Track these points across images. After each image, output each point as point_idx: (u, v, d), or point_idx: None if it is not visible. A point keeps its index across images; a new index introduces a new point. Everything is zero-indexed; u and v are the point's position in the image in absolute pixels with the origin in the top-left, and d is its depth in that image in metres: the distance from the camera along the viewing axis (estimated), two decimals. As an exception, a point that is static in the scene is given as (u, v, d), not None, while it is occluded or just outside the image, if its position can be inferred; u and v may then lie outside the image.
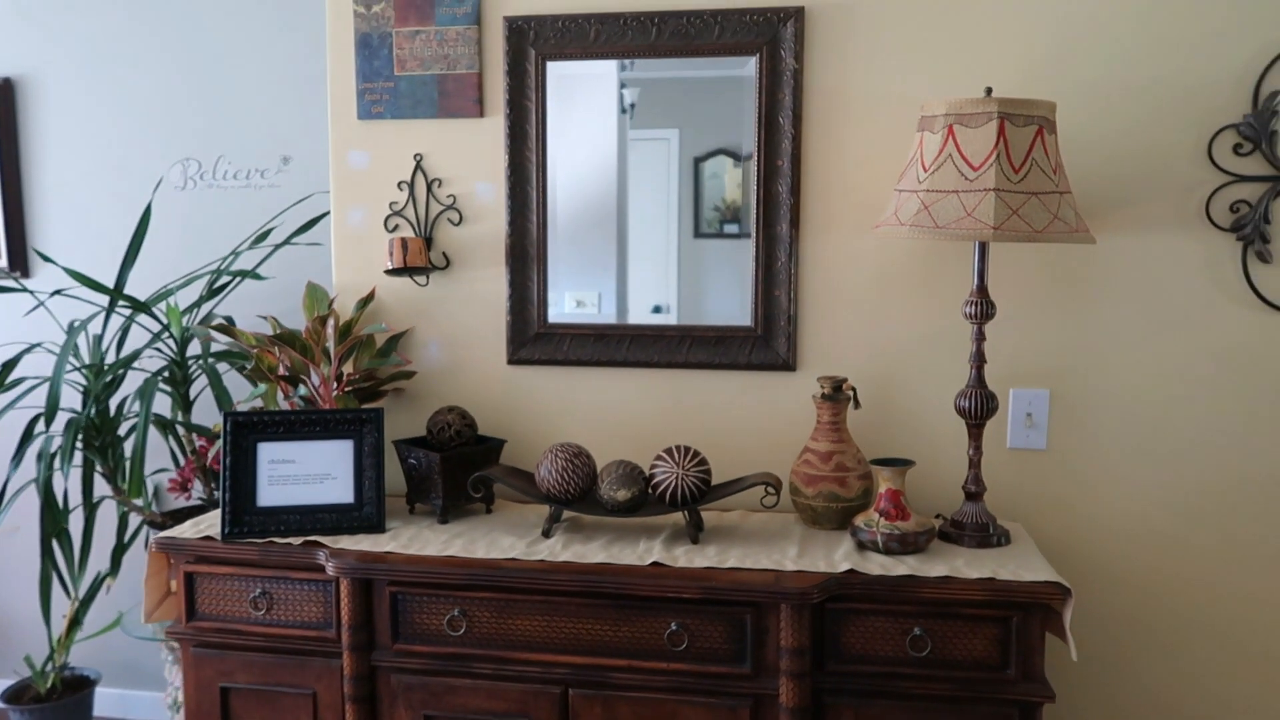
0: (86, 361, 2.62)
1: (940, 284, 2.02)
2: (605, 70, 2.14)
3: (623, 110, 2.17)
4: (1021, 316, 2.00)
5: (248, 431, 1.94)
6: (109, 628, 2.98)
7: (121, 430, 2.67)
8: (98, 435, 2.58)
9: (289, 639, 1.88)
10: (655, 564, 1.76)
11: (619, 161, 2.18)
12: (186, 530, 1.96)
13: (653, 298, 2.21)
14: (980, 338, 1.86)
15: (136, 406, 2.61)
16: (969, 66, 1.98)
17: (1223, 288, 1.95)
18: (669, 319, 2.17)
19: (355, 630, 1.82)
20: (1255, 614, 2.00)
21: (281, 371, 2.09)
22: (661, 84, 2.15)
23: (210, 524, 1.99)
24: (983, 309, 1.84)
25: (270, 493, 1.94)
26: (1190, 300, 1.97)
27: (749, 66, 2.06)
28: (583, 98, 2.15)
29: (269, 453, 1.95)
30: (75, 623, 2.91)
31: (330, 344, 2.09)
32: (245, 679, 1.90)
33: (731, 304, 2.15)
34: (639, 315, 2.19)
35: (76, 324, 2.73)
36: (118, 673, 3.15)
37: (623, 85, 2.15)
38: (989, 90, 1.77)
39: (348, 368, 2.14)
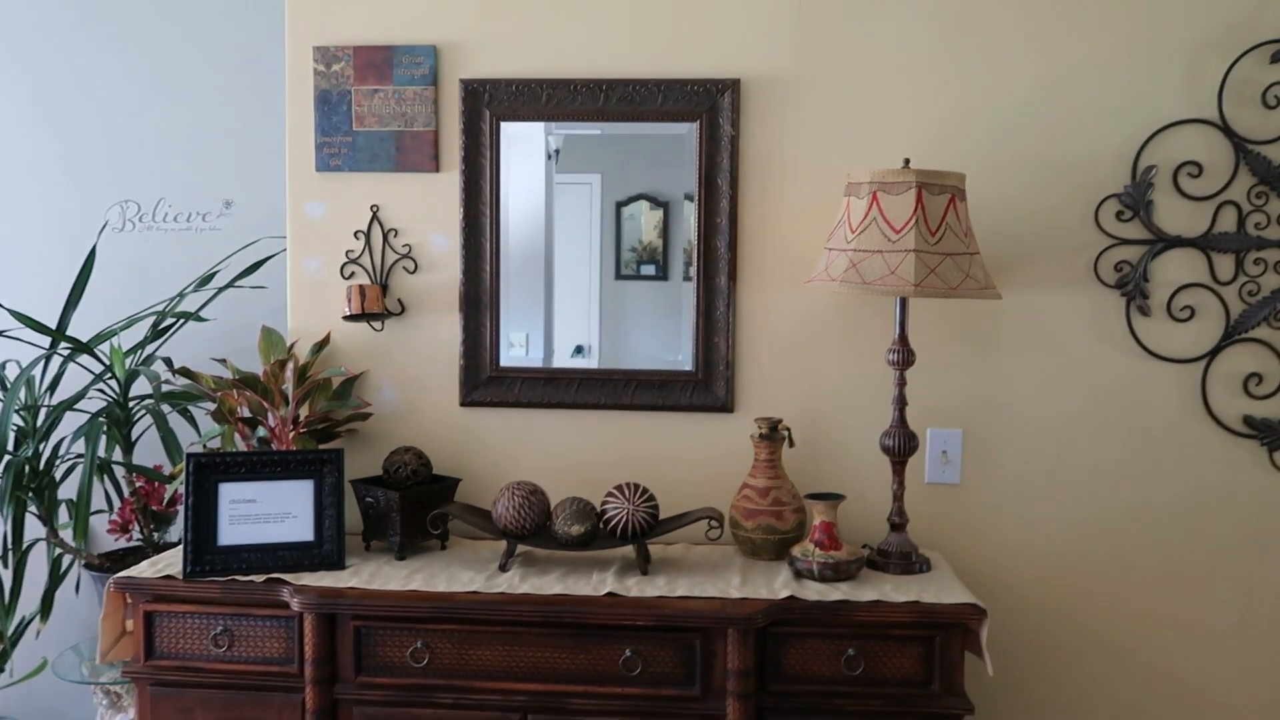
0: (21, 403, 2.60)
1: (864, 333, 2.22)
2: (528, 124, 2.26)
3: (548, 156, 2.32)
4: (937, 363, 2.21)
5: (209, 472, 1.99)
6: (34, 673, 2.91)
7: (56, 472, 2.65)
8: (34, 477, 2.56)
9: (250, 674, 1.92)
10: (610, 594, 1.88)
11: (546, 206, 2.32)
12: (145, 570, 1.99)
13: (575, 338, 2.35)
14: (902, 382, 2.05)
15: (77, 447, 2.60)
16: (888, 137, 2.19)
17: (1109, 338, 2.20)
18: (590, 361, 2.31)
19: (319, 664, 1.88)
20: (1141, 625, 2.23)
21: (241, 414, 2.14)
22: (584, 134, 2.29)
23: (168, 563, 2.02)
24: (904, 356, 2.03)
25: (231, 531, 1.99)
26: (1082, 348, 2.20)
27: (667, 126, 2.22)
28: (514, 145, 2.27)
29: (230, 493, 2.00)
30: (-2, 670, 2.85)
31: (289, 387, 2.15)
32: (204, 716, 1.94)
33: (649, 344, 2.31)
34: (563, 356, 2.32)
35: (11, 364, 2.72)
36: (40, 721, 3.08)
37: (549, 133, 2.29)
38: (907, 161, 1.99)
39: (304, 410, 2.20)
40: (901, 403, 2.05)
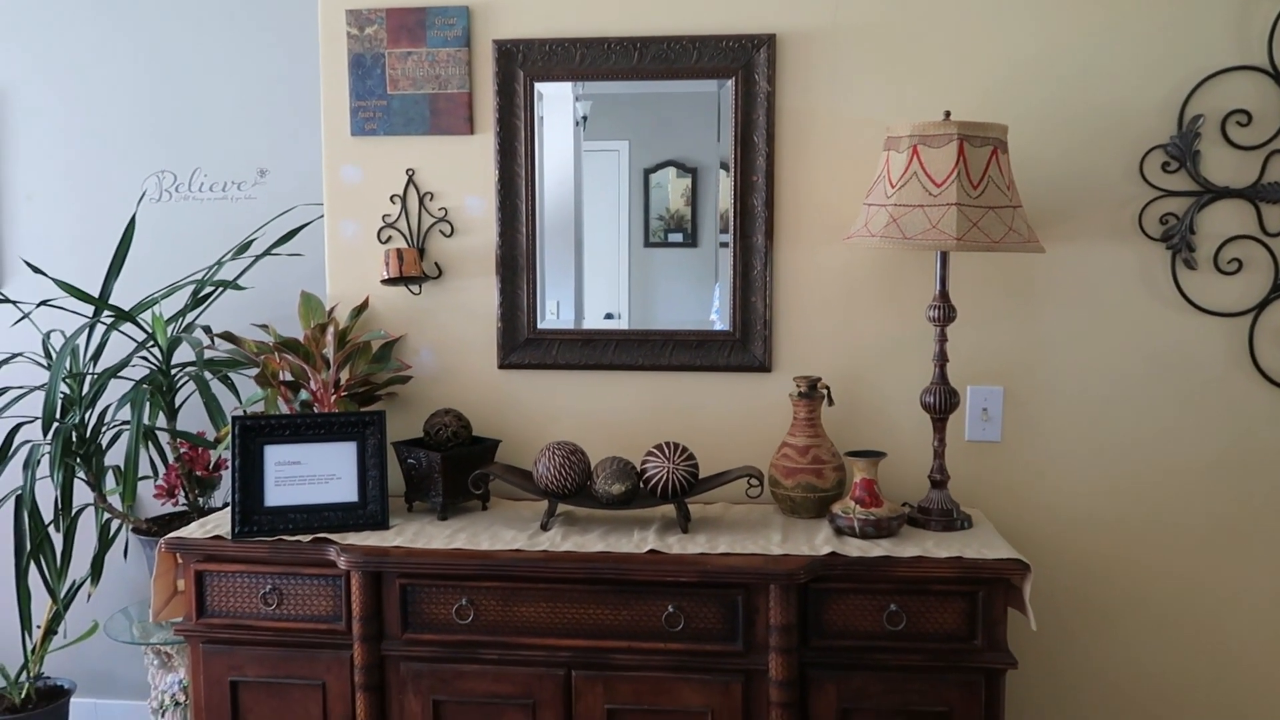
0: (68, 371, 2.65)
1: (904, 290, 2.20)
2: (561, 86, 2.25)
3: (576, 123, 2.30)
4: (977, 320, 2.19)
5: (255, 435, 2.02)
6: (85, 635, 2.99)
7: (103, 439, 2.70)
8: (81, 444, 2.61)
9: (299, 632, 1.96)
10: (652, 551, 1.89)
11: (575, 174, 2.31)
12: (194, 531, 2.03)
13: (604, 305, 2.35)
14: (943, 339, 2.03)
15: (122, 414, 2.65)
16: (926, 91, 2.16)
17: (1154, 292, 2.17)
18: (620, 325, 2.31)
19: (366, 621, 1.91)
20: (1183, 585, 2.22)
21: (284, 377, 2.17)
22: (612, 97, 2.28)
23: (217, 524, 2.06)
24: (945, 313, 2.02)
25: (277, 493, 2.01)
26: (1126, 303, 2.17)
27: (700, 84, 2.20)
28: (544, 112, 2.27)
29: (276, 455, 2.02)
30: (50, 632, 2.92)
31: (329, 351, 2.17)
32: (255, 673, 1.98)
33: (679, 312, 2.30)
34: (593, 323, 2.32)
35: (55, 333, 2.76)
36: (92, 682, 3.16)
37: (576, 99, 2.28)
38: (948, 114, 1.96)
39: (345, 374, 2.22)
40: (942, 359, 2.03)
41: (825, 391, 2.13)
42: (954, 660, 1.84)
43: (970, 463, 2.22)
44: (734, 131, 2.20)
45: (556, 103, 2.26)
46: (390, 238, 2.31)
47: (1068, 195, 2.15)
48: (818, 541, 1.93)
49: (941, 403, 2.03)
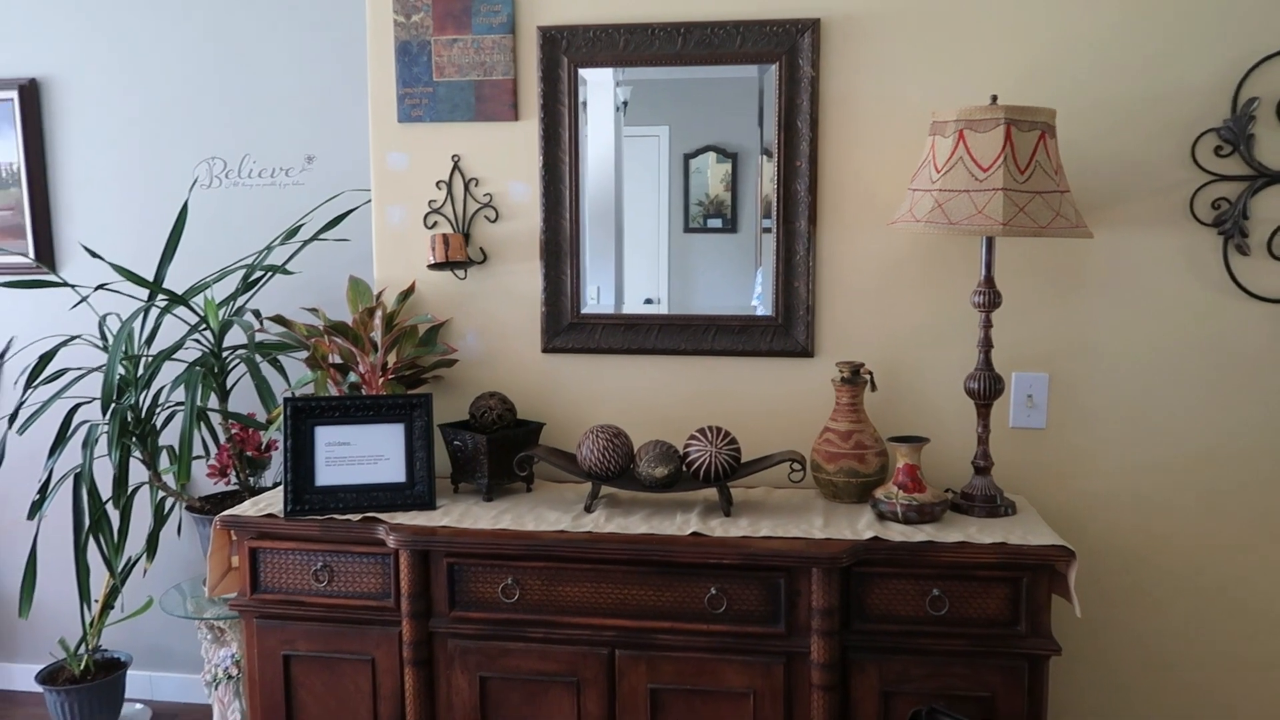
0: (124, 353, 2.72)
1: (948, 276, 2.19)
2: (603, 72, 2.26)
3: (616, 109, 2.31)
4: (1023, 306, 2.17)
5: (306, 416, 2.06)
6: (141, 610, 3.09)
7: (157, 420, 2.77)
8: (137, 424, 2.69)
9: (349, 609, 2.00)
10: (695, 534, 1.91)
11: (615, 159, 2.32)
12: (248, 508, 2.08)
13: (644, 291, 2.36)
14: (987, 325, 2.02)
15: (176, 395, 2.72)
16: (972, 75, 2.14)
17: (1205, 278, 2.14)
18: (661, 310, 2.32)
19: (414, 599, 1.95)
20: (1231, 572, 2.19)
21: (333, 360, 2.21)
22: (653, 82, 2.28)
23: (269, 503, 2.11)
24: (990, 298, 2.01)
25: (327, 472, 2.06)
26: (1175, 290, 2.15)
27: (742, 69, 2.20)
28: (586, 98, 2.28)
29: (326, 435, 2.07)
30: (108, 606, 3.01)
31: (377, 334, 2.21)
32: (307, 647, 2.03)
33: (717, 297, 2.31)
34: (633, 308, 2.33)
35: (111, 316, 2.83)
36: (147, 655, 3.25)
37: (617, 84, 2.29)
38: (994, 98, 1.94)
39: (392, 357, 2.26)
40: (987, 345, 2.02)
41: (868, 377, 2.13)
42: (997, 646, 1.85)
43: (1014, 449, 2.21)
44: (777, 116, 2.19)
45: (597, 89, 2.28)
46: (436, 223, 2.35)
47: (1117, 180, 2.12)
48: (860, 526, 1.94)
49: (986, 389, 2.02)
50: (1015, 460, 2.21)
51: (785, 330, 2.25)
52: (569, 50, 2.24)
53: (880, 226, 2.18)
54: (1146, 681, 2.23)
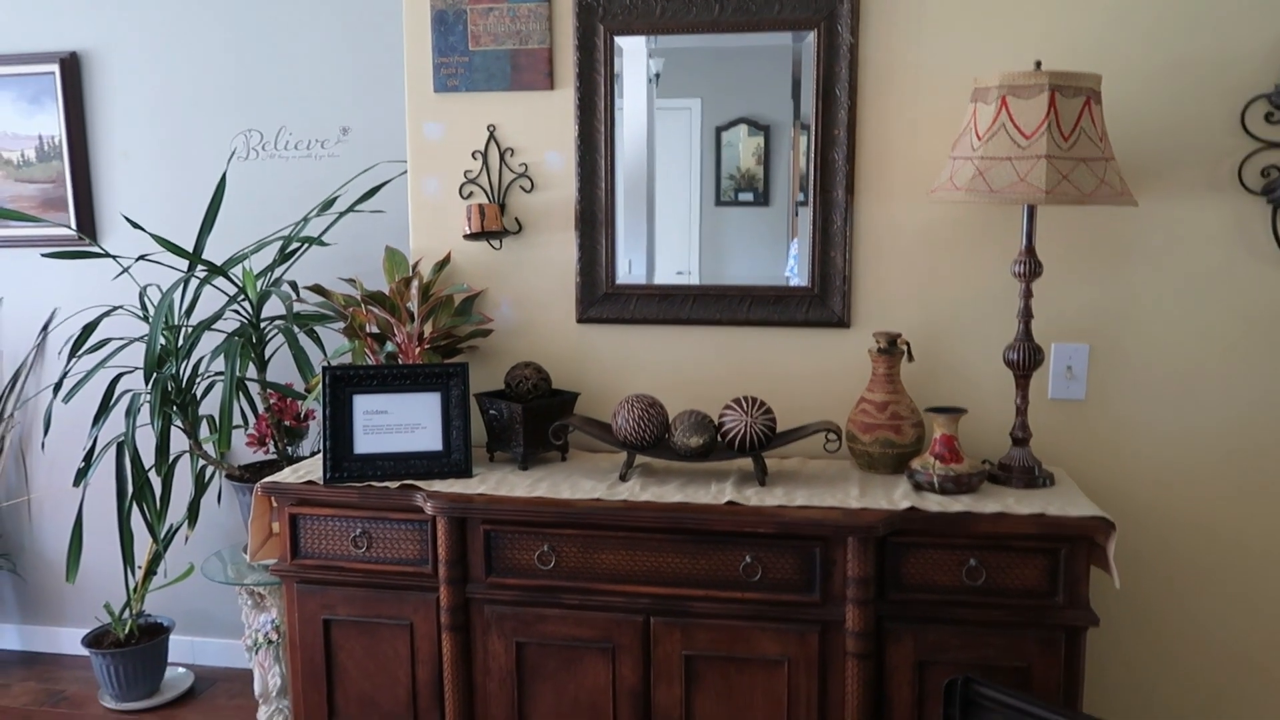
0: (165, 323, 2.76)
1: (987, 245, 2.16)
2: (635, 42, 2.25)
3: (649, 80, 2.30)
4: (1063, 276, 2.14)
5: (344, 384, 2.08)
6: (183, 576, 3.15)
7: (197, 389, 2.81)
8: (177, 393, 2.73)
9: (387, 575, 2.03)
10: (730, 503, 1.91)
11: (648, 131, 2.31)
12: (288, 476, 2.11)
13: (676, 264, 2.35)
14: (1028, 295, 2.00)
15: (215, 365, 2.75)
16: (1015, 40, 2.10)
17: (1252, 248, 2.09)
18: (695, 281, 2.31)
19: (451, 565, 1.97)
20: (1273, 544, 2.16)
21: (370, 330, 2.23)
22: (685, 53, 2.26)
23: (308, 470, 2.14)
24: (1031, 268, 1.98)
25: (366, 441, 2.08)
26: (1221, 260, 2.11)
27: (777, 37, 2.18)
28: (619, 68, 2.26)
29: (364, 404, 2.09)
30: (151, 572, 3.08)
31: (414, 304, 2.23)
32: (346, 612, 2.06)
33: (748, 271, 2.29)
34: (664, 280, 2.32)
35: (151, 287, 2.87)
36: (189, 620, 3.32)
37: (649, 55, 2.27)
38: (1038, 64, 1.90)
39: (428, 327, 2.28)
40: (1027, 315, 2.00)
41: (905, 347, 2.12)
42: (1034, 617, 1.84)
43: (1053, 421, 2.19)
44: (815, 84, 2.17)
45: (630, 60, 2.26)
46: (472, 193, 2.35)
47: (1163, 147, 2.08)
48: (896, 496, 1.93)
49: (1025, 360, 2.00)
50: (1054, 432, 2.19)
51: (821, 300, 2.24)
52: (605, 18, 2.23)
53: (919, 196, 2.16)
54: (1186, 654, 2.21)
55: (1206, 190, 2.09)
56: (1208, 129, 2.07)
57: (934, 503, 1.89)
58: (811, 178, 2.20)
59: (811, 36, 2.16)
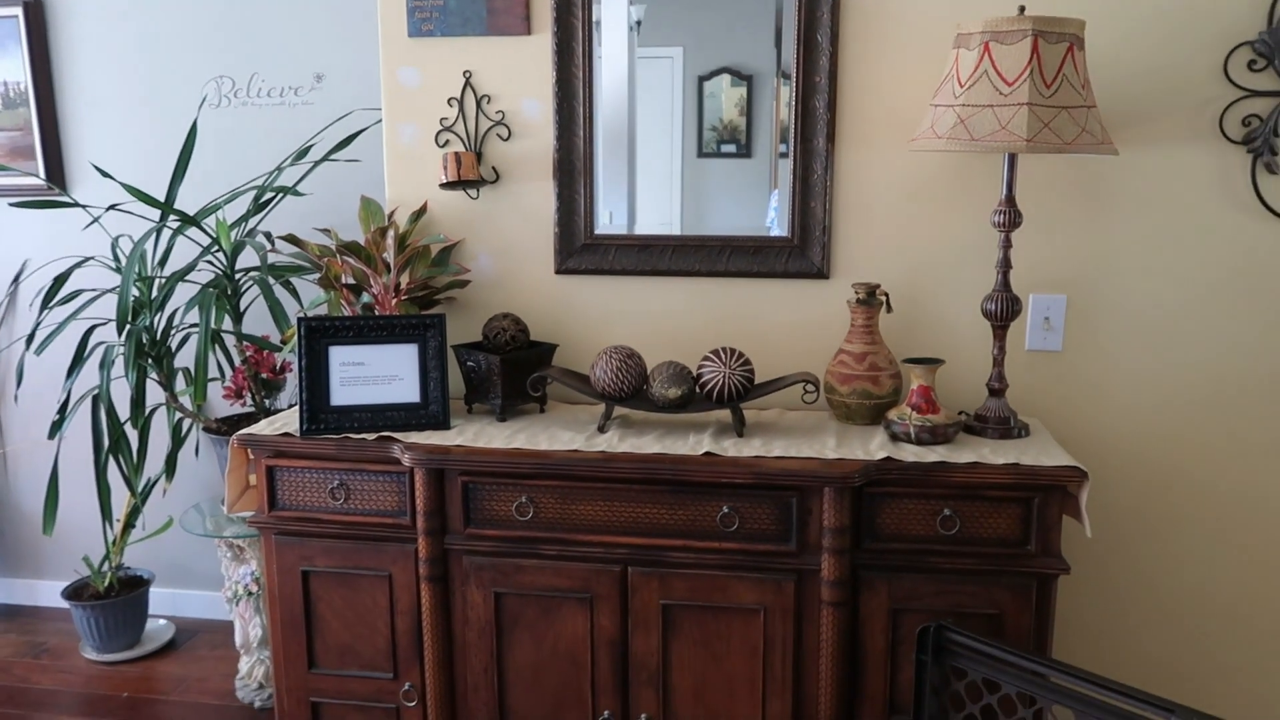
0: (137, 274, 2.72)
1: (968, 195, 2.15)
2: (614, -14, 2.20)
3: (630, 28, 2.25)
4: (1042, 226, 2.14)
5: (320, 336, 2.06)
6: (162, 529, 3.14)
7: (172, 341, 2.78)
8: (152, 345, 2.70)
9: (366, 526, 2.03)
10: (708, 453, 1.92)
11: (628, 81, 2.27)
12: (264, 428, 2.09)
13: (657, 216, 2.33)
14: (1007, 245, 1.99)
15: (190, 317, 2.72)
16: (999, -14, 2.07)
17: (1232, 198, 2.09)
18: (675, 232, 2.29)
19: (430, 516, 1.97)
20: (1247, 497, 2.19)
21: (346, 280, 2.20)
22: (667, 0, 2.21)
23: (285, 422, 2.12)
24: (1010, 218, 1.97)
25: (342, 392, 2.07)
26: (1201, 209, 2.10)
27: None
28: (599, 16, 2.21)
29: (340, 355, 2.07)
30: (129, 525, 3.07)
31: (390, 254, 2.20)
32: (325, 563, 2.06)
33: (730, 223, 2.27)
34: (645, 231, 2.30)
35: (123, 237, 2.83)
36: (169, 573, 3.32)
37: (630, 2, 2.22)
38: (1022, 8, 1.88)
39: (405, 278, 2.25)
40: (1005, 266, 1.99)
41: (884, 298, 2.11)
42: (1007, 564, 1.86)
43: (1030, 372, 2.20)
44: (796, 30, 2.13)
45: (609, 6, 2.21)
46: (448, 141, 2.31)
47: (1145, 95, 2.07)
48: (873, 447, 1.94)
49: (1003, 310, 2.00)
50: (1031, 383, 2.20)
51: (801, 251, 2.23)
52: (582, -39, 2.18)
53: (901, 145, 2.14)
54: (1157, 599, 2.25)
55: (1188, 139, 2.08)
56: (1190, 77, 2.05)
57: (910, 453, 1.90)
58: (793, 126, 2.17)
59: (792, -19, 2.12)
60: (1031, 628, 1.86)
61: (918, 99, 2.09)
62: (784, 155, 2.20)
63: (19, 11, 3.03)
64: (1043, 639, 1.87)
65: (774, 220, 2.25)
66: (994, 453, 1.90)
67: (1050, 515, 1.85)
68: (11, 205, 2.78)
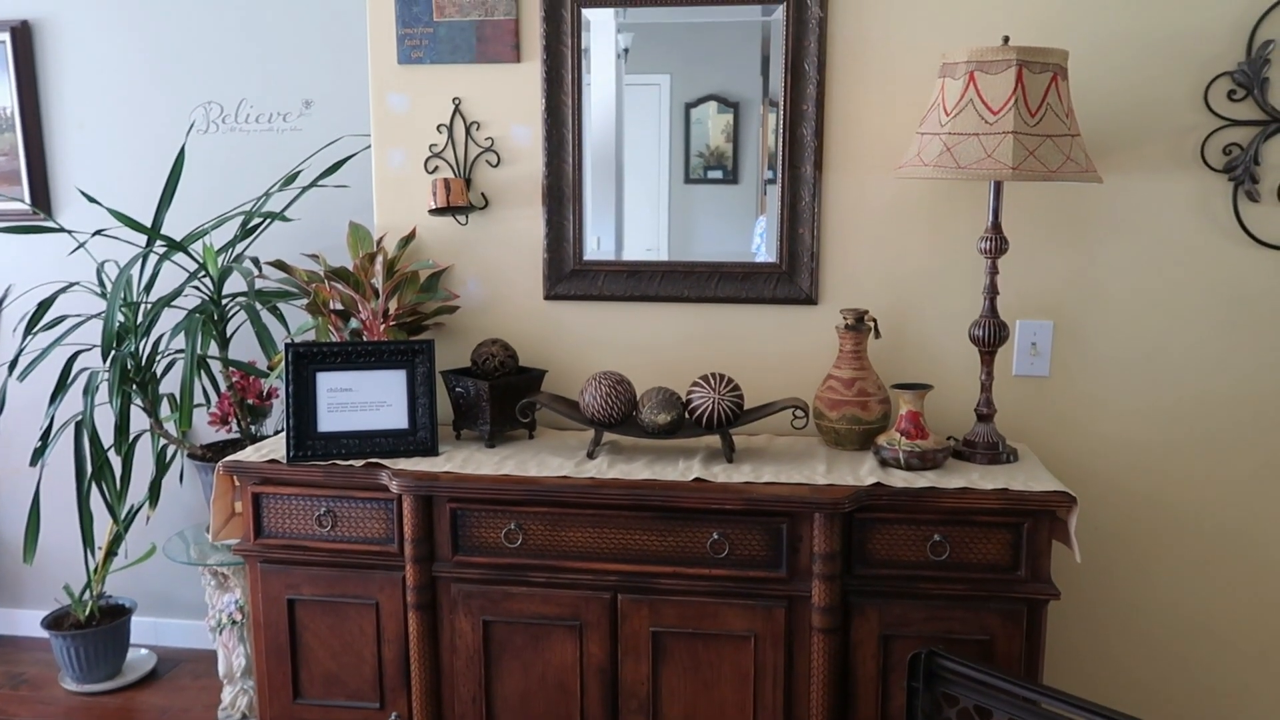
0: (123, 300, 2.70)
1: (955, 222, 2.17)
2: (604, 15, 2.22)
3: (618, 55, 2.27)
4: (1029, 252, 2.16)
5: (307, 362, 2.05)
6: (145, 557, 3.11)
7: (157, 367, 2.76)
8: (137, 371, 2.68)
9: (352, 554, 2.01)
10: (698, 479, 1.91)
11: (616, 108, 2.28)
12: (250, 454, 2.08)
13: (644, 242, 2.34)
14: (994, 271, 2.01)
15: (176, 343, 2.70)
16: (983, 16, 2.10)
17: (1214, 225, 2.12)
18: (664, 258, 2.30)
19: (418, 544, 1.96)
20: (1230, 525, 2.20)
21: (334, 306, 2.20)
22: (655, 29, 2.24)
23: (272, 449, 2.11)
24: (997, 244, 1.99)
25: (330, 419, 2.06)
26: (1184, 236, 2.13)
27: (747, 12, 2.16)
28: (588, 43, 2.23)
29: (328, 381, 2.06)
30: (111, 553, 3.03)
31: (378, 280, 2.20)
32: (311, 591, 2.04)
33: (716, 248, 2.28)
34: (633, 257, 2.30)
35: (109, 262, 2.81)
36: (151, 601, 3.28)
37: (618, 30, 2.24)
38: (1006, 39, 1.90)
39: (393, 304, 2.25)
40: (992, 292, 2.01)
41: (872, 324, 2.12)
42: (997, 590, 1.86)
43: (1017, 397, 2.21)
44: (784, 59, 2.15)
45: (598, 34, 2.23)
46: (437, 168, 2.32)
47: (1128, 124, 2.09)
48: (862, 472, 1.94)
49: (990, 336, 2.01)
50: (1018, 408, 2.21)
51: (789, 277, 2.24)
52: (571, -10, 2.19)
53: (887, 172, 2.15)
54: (1146, 625, 2.26)
55: (1170, 167, 2.10)
56: (1172, 106, 2.08)
57: (899, 478, 1.90)
58: (780, 154, 2.19)
59: (780, 10, 2.14)
60: (1022, 653, 1.86)
61: (903, 126, 2.11)
62: (771, 181, 2.22)
63: (6, 36, 3.03)
64: (1033, 665, 1.87)
65: (760, 246, 2.26)
66: (983, 478, 1.91)
67: (1040, 540, 1.85)
68: (-4, 230, 2.76)
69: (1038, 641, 1.87)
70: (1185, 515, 2.21)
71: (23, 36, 3.05)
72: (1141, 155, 2.11)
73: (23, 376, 2.65)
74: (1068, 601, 2.22)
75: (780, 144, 2.19)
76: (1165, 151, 2.10)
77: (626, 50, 2.26)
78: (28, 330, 2.71)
